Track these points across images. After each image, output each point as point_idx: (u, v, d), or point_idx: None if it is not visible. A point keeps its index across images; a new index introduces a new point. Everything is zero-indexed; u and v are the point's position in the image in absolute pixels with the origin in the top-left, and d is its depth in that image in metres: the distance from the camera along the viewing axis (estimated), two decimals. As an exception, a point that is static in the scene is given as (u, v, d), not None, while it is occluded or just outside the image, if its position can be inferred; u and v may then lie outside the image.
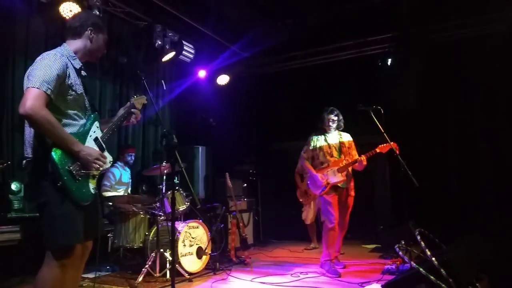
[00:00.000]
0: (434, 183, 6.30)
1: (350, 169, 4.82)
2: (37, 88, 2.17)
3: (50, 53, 2.35)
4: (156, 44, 6.23)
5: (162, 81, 5.58)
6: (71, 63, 2.41)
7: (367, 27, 6.89)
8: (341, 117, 4.98)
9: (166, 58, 6.51)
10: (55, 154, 2.22)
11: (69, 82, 2.35)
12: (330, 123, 4.91)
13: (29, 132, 2.32)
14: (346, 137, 4.99)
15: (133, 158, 5.78)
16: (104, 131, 2.59)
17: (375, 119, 4.56)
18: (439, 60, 6.53)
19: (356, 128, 5.91)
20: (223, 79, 7.74)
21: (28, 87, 2.19)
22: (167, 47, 6.38)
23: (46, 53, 2.35)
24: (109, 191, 5.37)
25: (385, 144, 4.65)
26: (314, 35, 7.20)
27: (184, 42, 6.67)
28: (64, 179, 2.22)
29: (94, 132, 2.50)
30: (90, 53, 2.55)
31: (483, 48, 6.26)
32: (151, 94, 4.02)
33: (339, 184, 4.71)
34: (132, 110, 2.77)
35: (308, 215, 6.42)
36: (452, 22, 6.57)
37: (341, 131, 5.02)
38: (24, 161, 2.37)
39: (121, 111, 2.78)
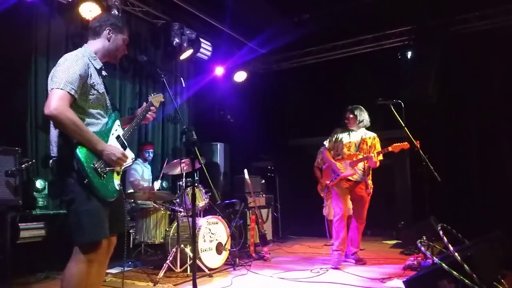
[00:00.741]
0: (456, 178, 6.18)
1: (366, 165, 4.88)
2: (61, 89, 2.23)
3: (72, 54, 2.41)
4: (174, 42, 6.30)
5: (181, 78, 5.61)
6: (92, 63, 2.46)
7: (385, 20, 6.80)
8: (363, 116, 4.97)
9: (184, 56, 6.56)
10: (81, 152, 2.27)
11: (91, 82, 2.40)
12: (346, 121, 5.02)
13: (54, 131, 2.38)
14: (370, 135, 5.01)
15: (151, 154, 5.85)
16: (125, 129, 2.65)
17: (396, 114, 4.51)
18: (460, 52, 6.40)
19: (375, 123, 5.87)
20: (240, 76, 7.75)
21: (52, 88, 2.25)
22: (185, 45, 6.44)
23: (68, 54, 2.42)
24: (141, 184, 5.48)
25: (398, 144, 4.67)
26: (331, 30, 7.14)
27: (202, 40, 6.72)
28: (89, 176, 2.27)
29: (116, 130, 2.55)
30: (108, 53, 2.58)
31: (504, 40, 6.10)
32: (170, 92, 4.08)
33: (350, 178, 4.84)
34: (150, 108, 2.82)
35: (330, 210, 6.35)
36: (472, 14, 6.43)
37: (367, 129, 5.05)
38: (51, 160, 2.41)
39: (139, 111, 2.84)
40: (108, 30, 2.55)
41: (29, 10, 4.84)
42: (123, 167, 2.51)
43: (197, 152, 2.98)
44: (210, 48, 6.90)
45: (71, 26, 5.28)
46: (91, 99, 2.41)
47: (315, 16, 6.79)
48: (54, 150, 2.38)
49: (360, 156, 4.82)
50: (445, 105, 6.60)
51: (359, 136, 4.97)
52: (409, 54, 6.52)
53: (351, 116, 4.97)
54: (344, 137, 4.99)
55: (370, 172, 4.98)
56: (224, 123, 7.64)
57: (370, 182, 4.94)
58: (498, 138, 6.37)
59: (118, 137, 2.55)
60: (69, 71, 2.28)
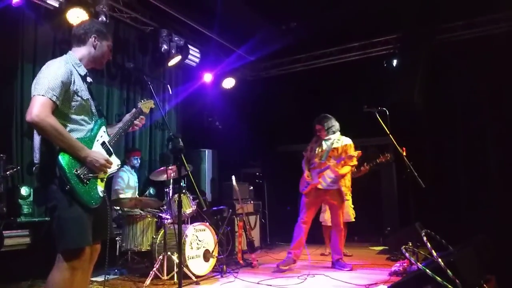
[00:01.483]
0: (441, 184, 6.27)
1: (339, 173, 4.96)
2: (42, 95, 2.24)
3: (55, 61, 2.42)
4: (162, 49, 6.30)
5: (168, 85, 5.62)
6: (76, 70, 2.47)
7: (372, 28, 6.90)
8: (331, 123, 5.12)
9: (172, 62, 6.57)
10: (63, 159, 2.27)
11: (74, 88, 2.40)
12: (318, 133, 5.17)
13: (37, 138, 2.37)
14: (342, 142, 5.07)
15: (139, 161, 5.82)
16: (111, 135, 2.63)
17: (381, 121, 4.57)
18: (445, 60, 6.51)
19: (362, 130, 5.93)
20: (228, 83, 7.78)
21: (34, 95, 2.26)
22: (173, 51, 6.45)
23: (51, 61, 2.43)
24: (122, 193, 5.41)
25: (353, 153, 4.87)
26: (318, 38, 7.23)
27: (190, 47, 6.73)
28: (71, 183, 2.26)
29: (101, 136, 2.54)
30: (94, 59, 2.60)
31: (489, 48, 6.23)
32: (157, 99, 4.07)
33: (318, 186, 4.97)
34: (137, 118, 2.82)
35: (328, 217, 6.23)
36: (457, 23, 6.56)
37: (343, 135, 5.17)
38: (34, 167, 2.41)
39: (128, 117, 2.82)
40: (93, 38, 2.56)
41: (16, 15, 4.82)
42: (107, 174, 2.50)
43: (184, 159, 2.99)
44: (198, 55, 6.92)
45: (58, 32, 5.26)
46: (74, 106, 2.40)
47: (303, 24, 6.87)
48: (37, 157, 2.38)
49: (326, 165, 4.95)
50: (431, 112, 6.70)
51: (330, 144, 5.08)
52: (395, 62, 6.61)
53: (319, 127, 5.12)
54: (316, 147, 5.14)
55: (346, 179, 5.18)
56: (212, 129, 7.64)
57: (344, 189, 5.12)
58: (483, 144, 6.48)
59: (103, 143, 2.54)
60: (51, 77, 2.29)
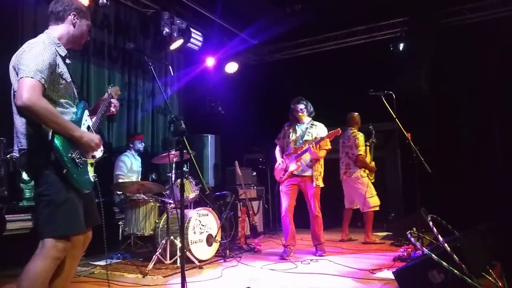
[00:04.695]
0: (447, 169, 6.20)
1: (313, 158, 4.85)
2: (31, 77, 2.12)
3: (38, 42, 2.28)
4: (164, 32, 6.18)
5: (170, 67, 5.52)
6: (57, 50, 2.34)
7: (378, 12, 6.76)
8: (310, 106, 5.04)
9: (174, 46, 6.46)
10: (58, 142, 2.19)
11: (59, 71, 2.30)
12: (300, 113, 4.99)
13: (20, 122, 2.25)
14: (317, 128, 4.96)
15: (143, 144, 5.76)
16: (93, 119, 2.55)
17: (387, 105, 4.49)
18: (452, 44, 6.38)
19: (368, 115, 5.85)
20: (231, 67, 7.68)
21: (22, 77, 2.13)
22: (175, 35, 6.33)
23: (33, 41, 2.29)
24: (124, 179, 5.38)
25: (332, 131, 4.74)
26: (323, 21, 7.08)
27: (192, 30, 6.63)
28: (68, 166, 2.20)
29: (86, 120, 2.47)
30: (73, 39, 2.46)
31: (497, 32, 6.10)
32: (159, 83, 4.01)
33: (294, 172, 4.88)
34: (111, 100, 2.72)
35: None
36: (464, 5, 6.42)
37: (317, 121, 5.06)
38: (19, 153, 2.27)
39: (101, 102, 2.73)
40: (73, 15, 2.42)
41: (15, -3, 4.74)
42: (95, 159, 2.44)
43: (186, 141, 2.93)
44: (201, 38, 6.81)
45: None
46: (60, 89, 2.31)
47: (308, 6, 6.73)
48: (22, 142, 2.25)
49: (305, 148, 4.82)
50: (437, 97, 6.60)
51: (304, 128, 4.99)
52: (401, 45, 6.49)
53: (302, 107, 4.98)
54: (291, 133, 5.04)
55: (317, 164, 4.88)
56: (215, 114, 7.58)
57: (316, 174, 4.84)
58: (490, 130, 6.39)
59: (88, 128, 2.47)
60: (38, 59, 2.17)
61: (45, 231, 2.18)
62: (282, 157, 5.05)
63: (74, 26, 2.44)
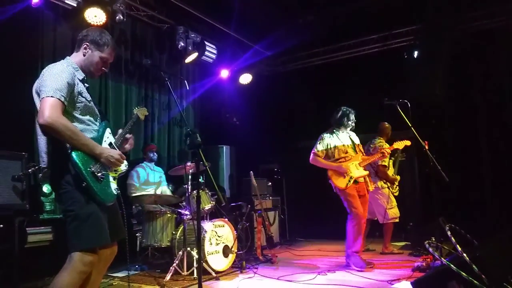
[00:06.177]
0: (465, 178, 6.10)
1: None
2: (51, 96, 2.24)
3: (57, 64, 2.44)
4: (179, 46, 6.31)
5: (185, 81, 5.63)
6: (75, 73, 2.47)
7: (391, 20, 6.75)
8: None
9: (189, 59, 6.58)
10: (77, 156, 2.27)
11: (78, 90, 2.42)
12: (353, 124, 4.97)
13: (43, 141, 2.36)
14: (355, 137, 5.02)
15: (155, 154, 5.82)
16: (116, 137, 2.66)
17: (402, 114, 4.46)
18: (467, 51, 6.33)
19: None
20: (245, 78, 7.75)
21: (43, 97, 2.25)
22: (190, 48, 6.45)
23: (52, 64, 2.44)
24: (135, 192, 5.43)
25: (400, 141, 4.71)
26: (336, 31, 7.12)
27: (206, 43, 6.74)
28: (88, 180, 2.26)
29: (108, 137, 2.56)
30: (85, 68, 2.57)
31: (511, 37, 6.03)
32: (175, 96, 4.09)
33: (359, 180, 4.80)
34: (126, 136, 2.75)
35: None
36: (479, 12, 6.36)
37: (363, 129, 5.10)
38: (43, 172, 2.38)
39: (129, 123, 2.85)
40: (85, 45, 2.55)
41: (36, 16, 4.91)
42: (118, 172, 2.51)
43: (202, 154, 2.98)
44: (215, 51, 6.92)
45: (76, 31, 5.26)
46: (80, 106, 2.41)
47: (320, 17, 6.77)
48: (45, 161, 2.35)
49: (364, 157, 4.83)
50: (453, 104, 6.53)
51: (347, 138, 4.95)
52: (416, 53, 6.46)
53: (355, 119, 4.98)
54: (334, 140, 4.89)
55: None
56: (230, 125, 7.63)
57: (368, 178, 4.96)
58: (508, 137, 6.27)
59: (110, 144, 2.55)
60: (57, 78, 2.30)
61: (72, 245, 2.25)
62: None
63: (84, 56, 2.56)
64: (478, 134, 6.53)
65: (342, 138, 4.93)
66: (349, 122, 4.95)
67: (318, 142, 4.94)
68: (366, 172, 4.84)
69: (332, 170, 4.81)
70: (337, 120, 4.97)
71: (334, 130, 4.97)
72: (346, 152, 4.84)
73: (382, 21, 6.77)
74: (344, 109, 4.97)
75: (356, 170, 4.76)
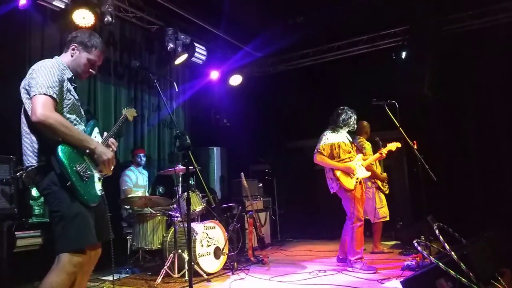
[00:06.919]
0: (454, 177, 6.18)
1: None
2: (44, 93, 2.23)
3: (47, 61, 2.42)
4: (169, 47, 6.29)
5: (174, 82, 5.62)
6: (63, 72, 2.46)
7: (379, 21, 6.82)
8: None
9: (178, 60, 6.57)
10: (63, 154, 2.24)
11: (67, 87, 2.42)
12: (355, 124, 4.90)
13: (28, 140, 2.33)
14: (349, 137, 5.00)
15: (143, 158, 5.80)
16: (103, 137, 2.64)
17: (390, 114, 4.51)
18: (455, 51, 6.41)
19: (371, 124, 5.86)
20: (235, 80, 7.76)
21: (35, 94, 2.23)
22: (179, 50, 6.45)
23: (42, 61, 2.41)
24: (132, 193, 5.41)
25: (393, 143, 4.77)
26: (326, 32, 7.16)
27: (196, 44, 6.73)
28: (72, 179, 2.24)
29: (95, 137, 2.55)
30: (72, 68, 2.55)
31: (499, 38, 6.12)
32: (164, 98, 4.07)
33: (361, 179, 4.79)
34: (108, 141, 2.66)
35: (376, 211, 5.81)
36: (465, 13, 6.45)
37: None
38: (27, 171, 2.33)
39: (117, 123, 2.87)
40: (73, 46, 2.55)
41: (23, 17, 4.86)
42: (103, 173, 2.49)
43: (191, 156, 2.98)
44: (205, 53, 6.91)
45: (65, 33, 5.26)
46: (68, 104, 2.41)
47: (310, 18, 6.81)
48: (31, 160, 2.32)
49: (365, 157, 4.88)
50: (441, 104, 6.61)
51: (346, 137, 4.89)
52: (404, 54, 6.53)
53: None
54: (337, 139, 4.79)
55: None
56: (220, 127, 7.64)
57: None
58: (495, 136, 6.37)
59: None
60: (48, 75, 2.29)
61: (59, 246, 2.23)
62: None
63: (71, 57, 2.55)
64: (466, 133, 6.62)
65: (344, 138, 4.89)
66: (353, 123, 4.89)
67: (322, 139, 4.79)
68: (369, 173, 4.82)
69: (341, 170, 4.66)
70: (341, 120, 4.81)
71: (336, 129, 4.86)
72: (349, 152, 4.79)
73: (371, 22, 6.83)
74: (348, 110, 4.86)
75: (360, 171, 4.72)
